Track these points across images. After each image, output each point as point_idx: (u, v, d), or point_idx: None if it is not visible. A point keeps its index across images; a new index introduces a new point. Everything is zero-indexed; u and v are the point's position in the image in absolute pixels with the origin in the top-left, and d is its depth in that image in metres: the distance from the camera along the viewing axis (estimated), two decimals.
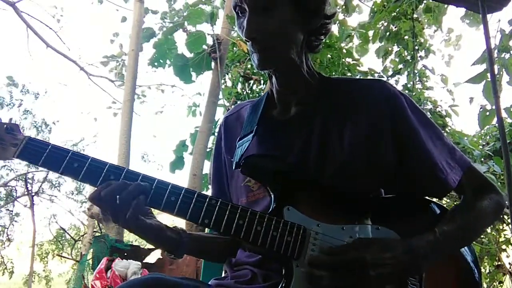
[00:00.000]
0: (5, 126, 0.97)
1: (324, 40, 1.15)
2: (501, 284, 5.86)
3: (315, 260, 0.89)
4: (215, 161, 1.28)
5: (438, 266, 0.96)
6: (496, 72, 3.46)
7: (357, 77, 5.80)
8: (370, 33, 6.10)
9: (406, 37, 5.89)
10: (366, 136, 1.04)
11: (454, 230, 0.97)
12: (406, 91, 5.86)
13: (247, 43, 1.05)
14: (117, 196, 0.88)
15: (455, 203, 1.08)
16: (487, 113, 3.73)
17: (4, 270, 12.71)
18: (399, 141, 1.05)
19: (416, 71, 6.29)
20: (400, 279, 0.90)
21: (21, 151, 0.94)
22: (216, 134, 1.32)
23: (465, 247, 1.03)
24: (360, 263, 0.85)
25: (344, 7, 6.10)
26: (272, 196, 0.98)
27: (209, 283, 1.12)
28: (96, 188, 0.90)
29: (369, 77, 5.97)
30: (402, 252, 0.88)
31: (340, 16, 6.12)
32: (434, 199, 1.10)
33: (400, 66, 6.45)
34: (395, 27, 5.86)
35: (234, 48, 6.44)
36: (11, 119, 0.99)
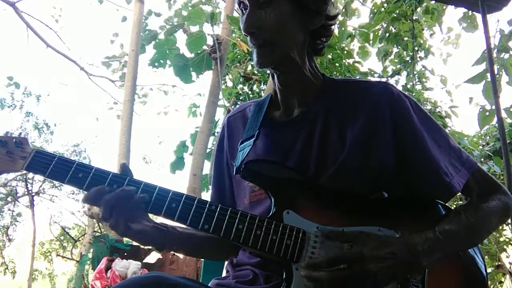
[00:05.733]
0: (14, 140, 1.01)
1: (327, 43, 1.14)
2: (501, 284, 5.86)
3: (313, 261, 0.89)
4: (216, 160, 1.27)
5: (443, 266, 0.95)
6: (495, 72, 3.46)
7: (358, 77, 5.79)
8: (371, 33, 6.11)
9: (405, 38, 5.89)
10: (367, 137, 1.03)
11: (457, 230, 0.96)
12: (406, 92, 5.84)
13: (247, 38, 1.05)
14: (123, 204, 0.92)
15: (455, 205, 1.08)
16: (487, 113, 3.73)
17: (5, 270, 12.72)
18: (401, 143, 1.03)
19: (415, 72, 6.29)
20: (400, 275, 0.90)
21: (29, 164, 0.98)
22: (216, 133, 1.31)
23: (474, 248, 1.02)
24: (358, 258, 0.85)
25: (343, 10, 6.11)
26: (272, 200, 0.98)
27: (211, 282, 1.12)
28: (97, 189, 0.93)
29: (373, 79, 5.97)
30: (400, 248, 0.88)
31: (340, 17, 6.14)
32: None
33: (400, 66, 6.45)
34: (395, 28, 5.87)
35: (235, 49, 6.44)
36: (20, 133, 1.02)
